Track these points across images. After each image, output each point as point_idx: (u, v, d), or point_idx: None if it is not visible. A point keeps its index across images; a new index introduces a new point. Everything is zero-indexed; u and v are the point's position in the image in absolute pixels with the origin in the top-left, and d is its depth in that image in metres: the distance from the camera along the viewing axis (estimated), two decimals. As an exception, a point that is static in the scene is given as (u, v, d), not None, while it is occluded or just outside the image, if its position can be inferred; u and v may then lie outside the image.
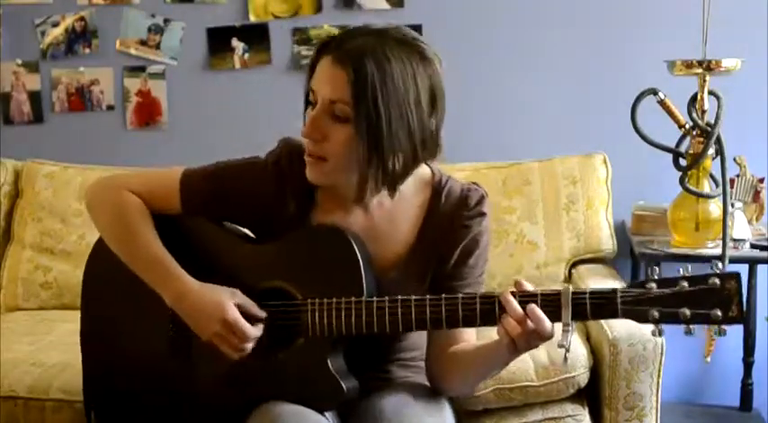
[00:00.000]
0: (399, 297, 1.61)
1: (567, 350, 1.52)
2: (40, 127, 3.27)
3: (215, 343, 1.69)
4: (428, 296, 1.61)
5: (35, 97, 3.26)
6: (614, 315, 1.50)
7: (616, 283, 2.43)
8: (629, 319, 1.50)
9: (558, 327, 1.53)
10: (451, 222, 1.73)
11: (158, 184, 1.81)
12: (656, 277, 1.49)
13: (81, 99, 3.25)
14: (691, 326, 1.49)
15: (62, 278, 2.81)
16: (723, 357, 3.02)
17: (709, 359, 2.46)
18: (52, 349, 2.34)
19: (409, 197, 1.75)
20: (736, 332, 2.94)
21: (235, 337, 1.67)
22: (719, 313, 1.45)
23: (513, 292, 1.55)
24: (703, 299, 1.46)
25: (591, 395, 2.07)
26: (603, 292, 1.51)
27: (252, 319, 1.69)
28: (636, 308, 1.49)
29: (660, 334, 1.52)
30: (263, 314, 1.70)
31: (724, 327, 1.47)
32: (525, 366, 1.99)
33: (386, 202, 1.74)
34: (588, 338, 2.14)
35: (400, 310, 1.61)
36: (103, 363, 1.88)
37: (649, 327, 2.02)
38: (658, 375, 2.01)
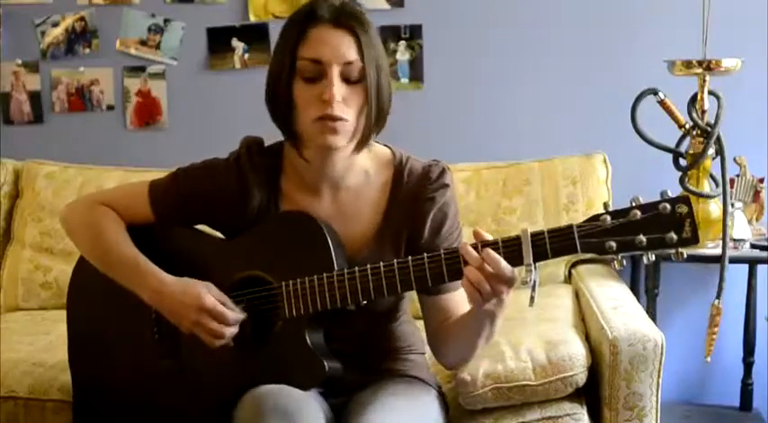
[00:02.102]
0: (368, 265, 1.65)
1: (533, 289, 1.57)
2: (40, 127, 3.28)
3: (196, 332, 1.73)
4: (396, 260, 1.65)
5: (35, 97, 3.26)
6: (574, 250, 1.54)
7: (618, 285, 2.43)
8: (590, 253, 1.54)
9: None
10: (416, 197, 1.77)
11: (129, 196, 1.87)
12: (609, 210, 1.54)
13: (81, 99, 3.26)
14: (650, 254, 1.53)
15: (62, 278, 2.80)
16: (723, 357, 3.01)
17: (709, 359, 2.45)
18: (52, 349, 2.34)
19: (373, 177, 1.80)
20: (736, 332, 2.95)
21: (214, 323, 1.71)
22: (674, 236, 1.49)
23: (474, 244, 1.59)
24: (657, 224, 1.50)
25: (589, 394, 2.07)
26: (560, 229, 1.56)
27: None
28: (593, 240, 1.53)
29: (621, 266, 1.56)
30: (236, 308, 1.74)
31: (681, 251, 1.51)
32: (523, 366, 1.99)
33: (351, 183, 1.78)
34: (587, 338, 2.14)
35: (371, 277, 1.65)
36: (94, 377, 1.93)
37: (648, 327, 2.05)
38: (658, 375, 2.01)
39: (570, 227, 1.54)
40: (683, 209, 1.50)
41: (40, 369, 2.25)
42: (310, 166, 1.76)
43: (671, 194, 1.52)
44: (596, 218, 1.54)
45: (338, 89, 1.65)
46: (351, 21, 1.67)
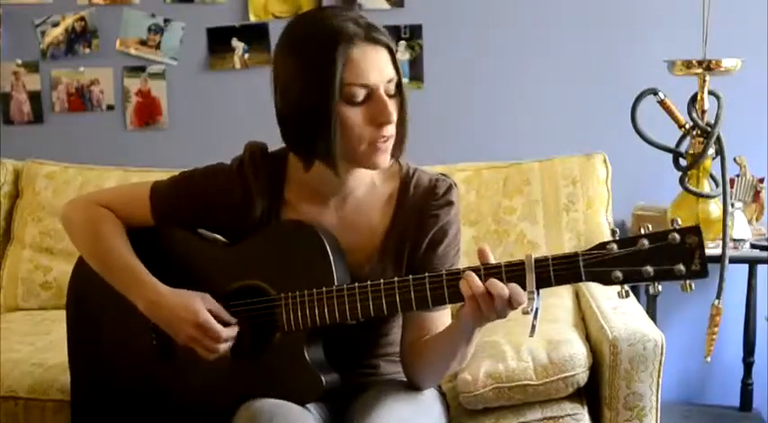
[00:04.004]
0: (369, 282, 1.63)
1: (535, 317, 1.52)
2: (40, 127, 3.28)
3: (191, 346, 1.72)
4: (396, 278, 1.62)
5: (35, 97, 3.27)
6: (578, 278, 1.50)
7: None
8: (595, 282, 1.49)
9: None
10: (420, 212, 1.75)
11: (129, 197, 1.85)
12: (616, 238, 1.49)
13: (81, 99, 3.26)
14: (657, 285, 1.48)
15: (62, 278, 2.79)
16: (723, 357, 3.02)
17: (709, 359, 2.45)
18: (52, 349, 2.34)
19: (379, 188, 1.78)
20: (736, 332, 2.95)
21: (209, 340, 1.70)
22: (683, 268, 1.44)
23: (477, 267, 1.56)
24: (665, 255, 1.45)
25: (590, 394, 2.07)
26: (565, 256, 1.51)
27: (223, 322, 1.71)
28: (599, 269, 1.48)
29: (627, 295, 1.52)
30: (233, 320, 1.72)
31: (690, 282, 1.46)
32: (524, 365, 1.99)
33: (358, 194, 1.77)
34: (588, 338, 2.14)
35: (371, 294, 1.62)
36: (93, 379, 1.92)
37: (648, 327, 2.05)
38: (658, 375, 2.01)
39: (576, 255, 1.50)
40: (693, 240, 1.44)
41: (40, 369, 2.25)
42: (325, 180, 1.72)
43: (681, 223, 1.46)
44: (603, 246, 1.48)
45: (391, 109, 1.63)
46: (381, 35, 1.64)
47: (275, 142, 1.79)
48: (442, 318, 1.74)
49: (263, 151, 1.79)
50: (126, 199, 1.85)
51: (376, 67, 1.62)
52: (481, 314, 1.55)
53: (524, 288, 1.52)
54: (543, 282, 1.52)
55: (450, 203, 1.76)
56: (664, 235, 1.45)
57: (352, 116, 1.62)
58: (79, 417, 1.93)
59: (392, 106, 1.64)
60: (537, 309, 1.52)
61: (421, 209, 1.75)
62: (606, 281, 1.49)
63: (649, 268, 1.46)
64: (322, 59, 1.60)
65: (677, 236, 1.44)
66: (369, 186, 1.77)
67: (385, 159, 1.67)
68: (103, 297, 1.83)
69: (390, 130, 1.65)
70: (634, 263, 1.46)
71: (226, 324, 1.72)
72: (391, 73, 1.64)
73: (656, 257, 1.45)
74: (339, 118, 1.61)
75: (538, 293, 1.52)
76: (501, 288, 1.52)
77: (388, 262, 1.75)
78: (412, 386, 1.80)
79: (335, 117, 1.61)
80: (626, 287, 1.51)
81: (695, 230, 1.44)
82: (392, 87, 1.65)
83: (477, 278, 1.54)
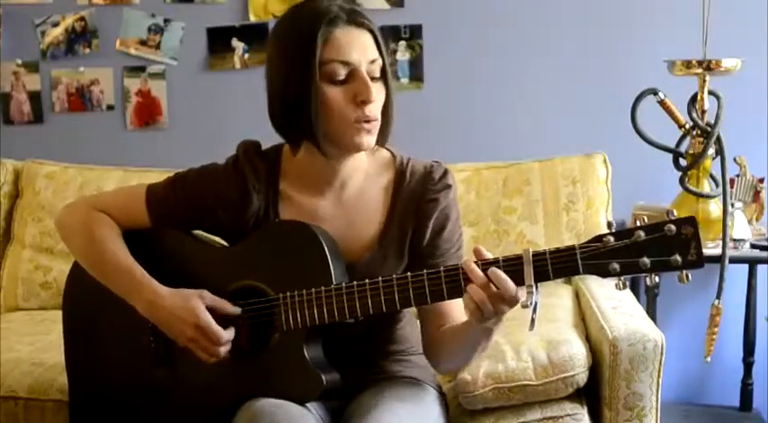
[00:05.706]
0: (367, 280, 1.63)
1: (534, 311, 1.53)
2: (40, 127, 3.28)
3: (190, 348, 1.72)
4: (395, 275, 1.62)
5: (35, 97, 3.27)
6: (576, 272, 1.51)
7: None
8: (593, 275, 1.50)
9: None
10: (420, 197, 1.76)
11: (125, 200, 1.85)
12: (612, 230, 1.50)
13: (81, 99, 3.26)
14: (654, 276, 1.49)
15: (62, 278, 2.74)
16: (723, 357, 3.02)
17: (709, 359, 2.46)
18: (52, 349, 2.33)
19: (374, 178, 1.79)
20: (736, 332, 2.95)
21: (208, 342, 1.69)
22: (679, 259, 1.45)
23: (475, 262, 1.56)
24: (661, 246, 1.46)
25: (590, 394, 2.07)
26: (563, 250, 1.52)
27: (225, 317, 1.71)
28: (596, 262, 1.49)
29: (624, 287, 1.52)
30: (236, 310, 1.72)
31: (687, 273, 1.46)
32: (524, 366, 1.99)
33: (354, 185, 1.77)
34: (588, 338, 2.14)
35: (369, 292, 1.63)
36: (90, 381, 1.92)
37: (648, 327, 2.05)
38: (658, 375, 2.01)
39: (573, 248, 1.50)
40: (689, 230, 1.45)
41: (40, 369, 2.25)
42: (318, 167, 1.74)
43: (676, 215, 1.47)
44: (599, 238, 1.49)
45: (371, 88, 1.64)
46: (364, 19, 1.67)
47: (272, 142, 1.80)
48: (458, 305, 1.74)
49: (256, 148, 1.81)
50: (122, 202, 1.85)
51: (357, 46, 1.64)
52: (480, 312, 1.55)
53: (523, 282, 1.52)
54: (541, 275, 1.53)
55: (449, 187, 1.78)
56: (660, 226, 1.46)
57: (333, 95, 1.64)
58: (77, 418, 1.93)
59: (374, 87, 1.65)
60: (536, 303, 1.53)
61: (420, 194, 1.76)
62: (604, 273, 1.50)
63: (646, 260, 1.47)
64: (303, 38, 1.63)
65: (673, 227, 1.45)
66: (364, 176, 1.78)
67: (369, 141, 1.68)
68: (101, 298, 1.83)
69: (373, 110, 1.66)
70: (631, 254, 1.47)
71: (227, 321, 1.71)
72: (374, 54, 1.66)
73: (653, 249, 1.46)
74: (321, 97, 1.64)
75: (536, 287, 1.53)
76: (504, 279, 1.52)
77: (389, 249, 1.76)
78: (412, 385, 1.81)
79: (316, 95, 1.63)
80: (623, 279, 1.51)
81: (691, 221, 1.45)
82: (376, 70, 1.66)
83: (477, 268, 1.54)
